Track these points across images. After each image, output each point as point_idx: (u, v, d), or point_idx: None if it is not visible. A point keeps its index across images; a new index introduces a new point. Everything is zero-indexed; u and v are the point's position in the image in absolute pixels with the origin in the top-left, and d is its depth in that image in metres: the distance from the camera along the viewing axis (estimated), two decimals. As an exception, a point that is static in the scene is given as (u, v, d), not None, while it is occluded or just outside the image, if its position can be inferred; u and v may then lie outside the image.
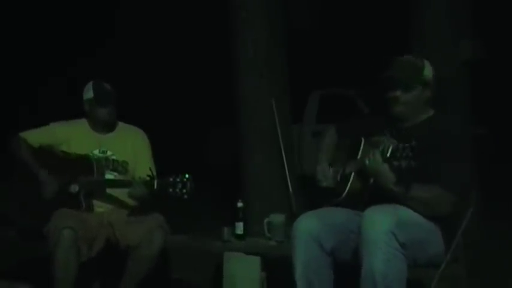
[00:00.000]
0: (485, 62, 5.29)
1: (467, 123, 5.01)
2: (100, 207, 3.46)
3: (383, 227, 2.62)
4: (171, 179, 3.21)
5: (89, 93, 3.55)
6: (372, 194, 2.83)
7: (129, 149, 3.57)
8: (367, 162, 2.75)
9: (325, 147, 3.18)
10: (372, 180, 2.81)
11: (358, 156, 2.88)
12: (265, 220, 3.77)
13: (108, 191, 3.46)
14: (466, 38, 5.03)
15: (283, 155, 4.88)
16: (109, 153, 3.54)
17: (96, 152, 3.52)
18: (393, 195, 2.75)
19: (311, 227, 2.85)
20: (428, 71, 2.89)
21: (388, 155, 2.63)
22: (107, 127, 3.59)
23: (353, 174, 2.89)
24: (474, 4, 5.08)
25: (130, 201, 3.48)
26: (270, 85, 4.97)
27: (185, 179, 3.20)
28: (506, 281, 3.80)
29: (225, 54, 5.19)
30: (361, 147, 2.88)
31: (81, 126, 3.60)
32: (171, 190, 3.20)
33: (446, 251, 2.86)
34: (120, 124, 3.65)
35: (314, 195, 3.15)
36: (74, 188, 3.36)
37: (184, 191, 3.19)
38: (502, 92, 9.62)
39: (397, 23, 6.06)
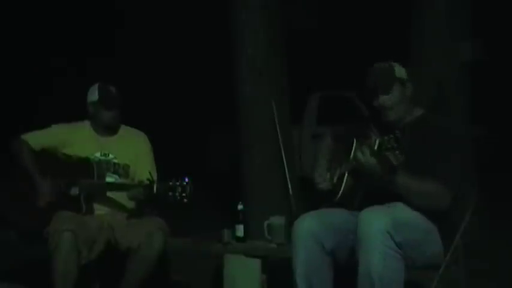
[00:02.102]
0: (485, 62, 5.29)
1: (467, 124, 5.01)
2: (100, 210, 3.46)
3: (379, 226, 2.65)
4: (171, 183, 3.21)
5: (94, 95, 3.54)
6: (366, 193, 2.87)
7: (131, 152, 3.57)
8: (356, 158, 2.80)
9: (322, 151, 3.23)
10: (364, 180, 2.84)
11: (351, 156, 2.91)
12: (266, 222, 3.77)
13: (109, 194, 3.46)
14: (466, 38, 5.04)
15: (283, 156, 4.87)
16: (111, 156, 3.54)
17: (97, 154, 3.52)
18: (387, 189, 2.77)
19: (312, 226, 2.87)
20: (399, 70, 2.97)
21: (375, 148, 2.70)
22: (110, 130, 3.59)
23: (346, 174, 2.94)
24: (474, 4, 5.08)
25: (131, 204, 3.48)
26: (270, 86, 4.97)
27: (185, 183, 3.19)
28: (506, 281, 3.80)
29: (225, 55, 5.19)
30: (354, 148, 2.92)
31: (84, 128, 3.61)
32: (170, 194, 3.20)
33: (446, 252, 2.87)
34: (123, 127, 3.65)
35: (313, 197, 3.16)
36: (74, 190, 3.37)
37: (183, 194, 3.19)
38: (502, 93, 9.62)
39: (397, 23, 6.06)
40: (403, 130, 2.88)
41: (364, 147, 2.77)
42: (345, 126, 3.26)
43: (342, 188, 2.95)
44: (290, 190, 4.81)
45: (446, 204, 2.79)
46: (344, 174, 2.96)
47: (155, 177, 3.40)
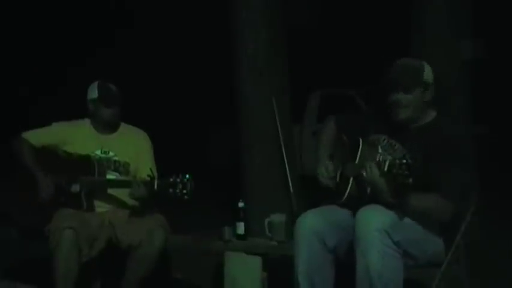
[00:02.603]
0: (486, 61, 5.28)
1: (468, 123, 5.01)
2: (101, 207, 3.47)
3: (376, 225, 2.65)
4: (171, 180, 3.21)
5: (93, 92, 3.55)
6: (370, 199, 2.82)
7: (131, 150, 3.57)
8: (364, 174, 2.76)
9: (325, 143, 3.16)
10: (369, 190, 2.82)
11: (357, 160, 2.87)
12: (266, 220, 3.77)
13: (109, 191, 3.47)
14: (467, 37, 5.04)
15: (284, 155, 4.88)
16: (111, 153, 3.54)
17: (98, 152, 3.53)
18: (391, 205, 2.76)
19: (315, 224, 2.87)
20: (428, 74, 2.88)
21: (385, 169, 2.64)
22: (110, 128, 3.60)
23: (351, 179, 2.89)
24: (475, 3, 5.08)
25: (131, 201, 3.48)
26: (270, 84, 4.97)
27: (185, 180, 3.20)
28: (506, 281, 3.80)
29: (225, 54, 5.19)
30: (360, 150, 2.88)
31: (84, 126, 3.61)
32: (171, 190, 3.21)
33: (447, 250, 2.87)
34: (123, 125, 3.66)
35: (315, 196, 3.15)
36: (75, 187, 3.38)
37: (184, 191, 3.19)
38: (503, 92, 9.62)
39: (397, 22, 6.06)
40: (412, 132, 2.88)
41: (372, 164, 2.71)
42: (350, 115, 3.22)
43: (347, 193, 2.91)
44: (291, 189, 4.81)
45: (448, 217, 2.79)
46: (349, 179, 2.91)
47: (155, 175, 3.40)
